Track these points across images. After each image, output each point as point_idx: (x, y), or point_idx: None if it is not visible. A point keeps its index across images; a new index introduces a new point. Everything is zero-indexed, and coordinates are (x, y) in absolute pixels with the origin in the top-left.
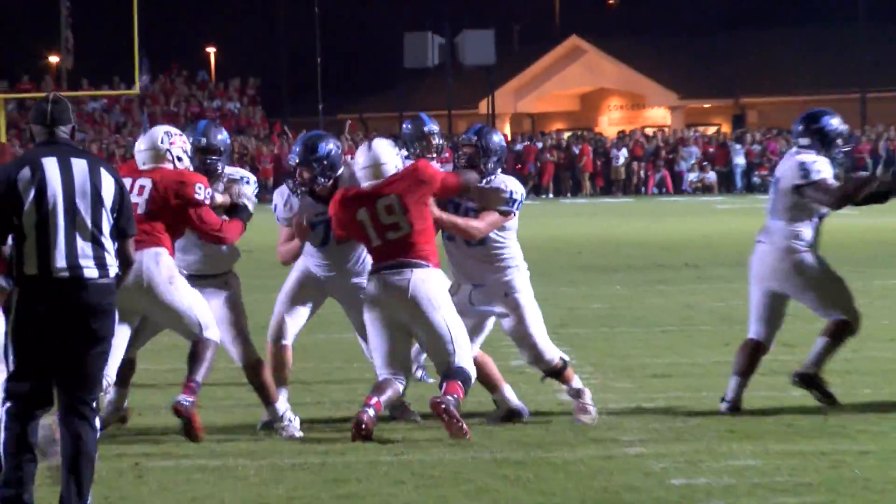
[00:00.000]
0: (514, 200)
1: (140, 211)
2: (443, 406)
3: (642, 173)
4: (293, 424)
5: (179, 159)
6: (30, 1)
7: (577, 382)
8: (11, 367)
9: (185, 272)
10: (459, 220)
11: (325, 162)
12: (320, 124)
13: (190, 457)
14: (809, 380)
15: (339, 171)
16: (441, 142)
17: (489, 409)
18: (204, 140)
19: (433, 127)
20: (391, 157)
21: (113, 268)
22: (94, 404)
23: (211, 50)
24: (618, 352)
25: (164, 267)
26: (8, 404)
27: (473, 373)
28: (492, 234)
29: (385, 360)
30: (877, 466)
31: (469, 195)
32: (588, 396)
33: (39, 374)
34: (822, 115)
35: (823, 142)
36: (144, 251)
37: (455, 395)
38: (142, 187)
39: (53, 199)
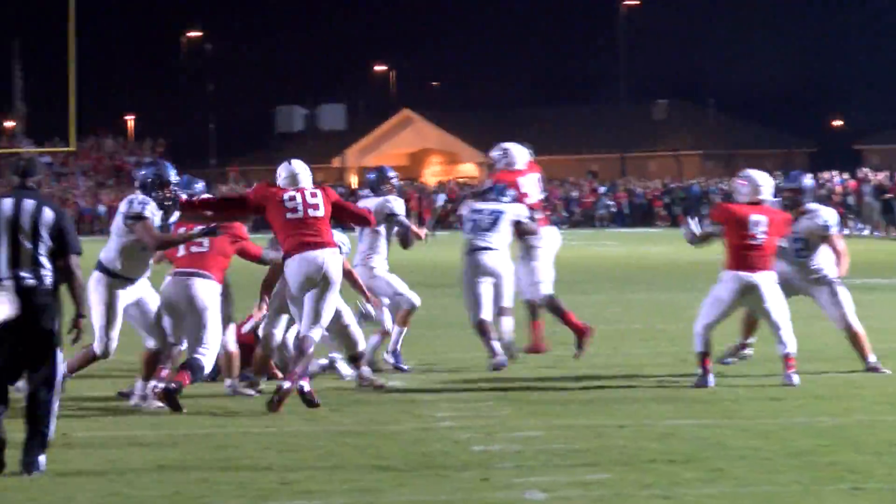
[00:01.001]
0: None
1: (320, 214)
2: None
3: (457, 212)
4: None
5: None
6: None
7: (365, 371)
8: None
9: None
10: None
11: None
12: (211, 174)
13: (105, 429)
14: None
15: None
16: (398, 184)
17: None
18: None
19: (394, 174)
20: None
21: (48, 278)
22: (47, 379)
23: (129, 117)
24: (436, 349)
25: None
26: None
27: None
28: None
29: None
30: (631, 436)
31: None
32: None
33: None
34: (505, 188)
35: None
36: (326, 249)
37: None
38: (314, 193)
39: (3, 228)
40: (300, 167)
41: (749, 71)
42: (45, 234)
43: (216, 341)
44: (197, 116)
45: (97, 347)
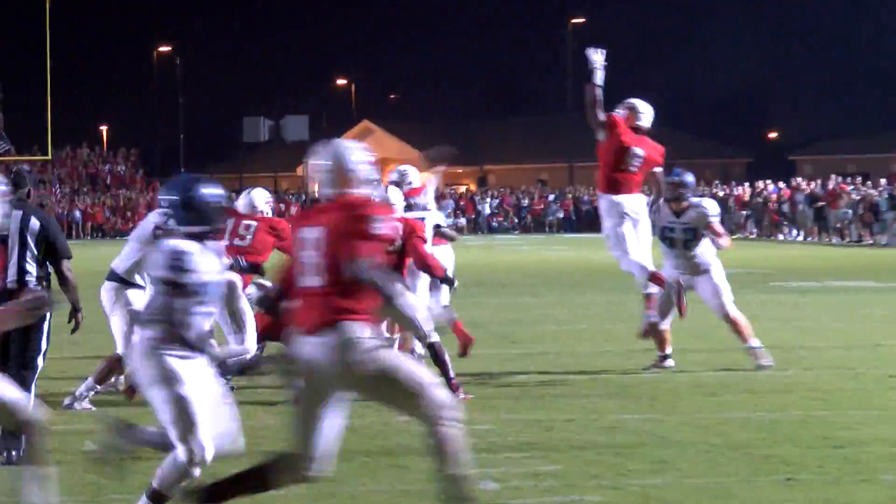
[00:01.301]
0: None
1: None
2: None
3: None
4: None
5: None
6: None
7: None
8: None
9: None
10: None
11: None
12: None
13: (81, 421)
14: None
15: None
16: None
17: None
18: None
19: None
20: None
21: (31, 283)
22: (29, 373)
23: (104, 127)
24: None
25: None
26: None
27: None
28: None
29: None
30: (579, 429)
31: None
32: None
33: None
34: (418, 205)
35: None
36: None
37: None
38: (395, 227)
39: None
40: (395, 197)
41: (689, 84)
42: (31, 241)
43: (251, 328)
44: (168, 127)
45: (123, 350)
